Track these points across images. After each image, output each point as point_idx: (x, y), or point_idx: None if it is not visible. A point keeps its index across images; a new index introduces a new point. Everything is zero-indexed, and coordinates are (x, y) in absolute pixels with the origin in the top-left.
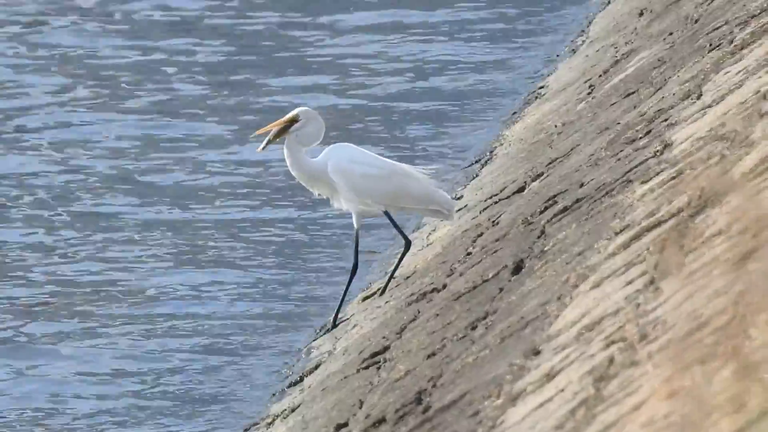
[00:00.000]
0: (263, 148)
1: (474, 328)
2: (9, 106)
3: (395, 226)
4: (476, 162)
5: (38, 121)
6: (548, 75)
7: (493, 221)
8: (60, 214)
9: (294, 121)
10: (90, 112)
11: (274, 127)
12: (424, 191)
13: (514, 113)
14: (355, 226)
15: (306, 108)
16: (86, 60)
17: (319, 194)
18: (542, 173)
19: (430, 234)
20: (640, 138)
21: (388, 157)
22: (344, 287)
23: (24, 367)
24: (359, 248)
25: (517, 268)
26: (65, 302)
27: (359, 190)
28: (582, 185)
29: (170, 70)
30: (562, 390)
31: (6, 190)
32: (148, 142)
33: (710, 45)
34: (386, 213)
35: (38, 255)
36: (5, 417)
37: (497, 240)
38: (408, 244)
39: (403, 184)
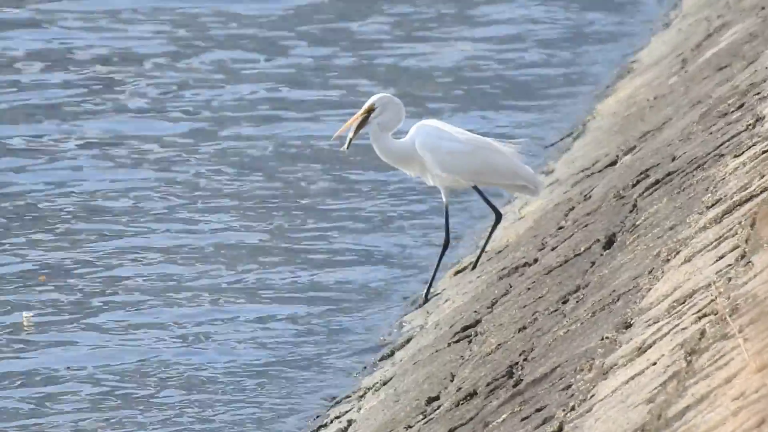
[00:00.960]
0: (347, 147)
1: (565, 301)
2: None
3: (485, 199)
4: (568, 135)
5: (151, 90)
6: (641, 49)
7: (585, 195)
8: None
9: (371, 110)
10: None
11: (353, 122)
12: (510, 166)
13: (607, 87)
14: (444, 201)
15: (381, 94)
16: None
17: (411, 174)
18: (634, 147)
19: (521, 208)
20: (733, 112)
21: (478, 131)
22: (436, 263)
23: (126, 338)
24: (450, 223)
25: (609, 242)
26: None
27: (446, 165)
28: (674, 159)
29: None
30: (654, 363)
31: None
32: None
33: None
34: (475, 187)
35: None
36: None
37: (589, 214)
38: (499, 217)
39: (489, 159)
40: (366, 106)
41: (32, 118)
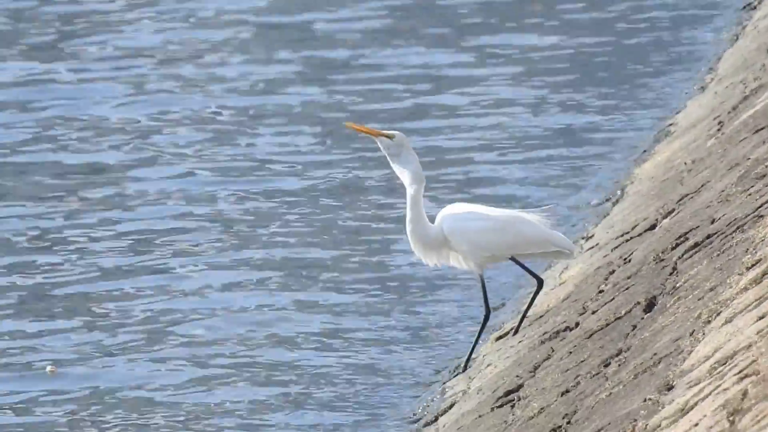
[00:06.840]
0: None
1: (607, 365)
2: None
3: (524, 267)
4: (607, 200)
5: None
6: (677, 112)
7: (625, 259)
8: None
9: (389, 137)
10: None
11: (367, 131)
12: (541, 234)
13: (644, 151)
14: (479, 272)
15: (400, 133)
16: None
17: (431, 263)
18: (673, 210)
19: (561, 273)
20: None
21: (516, 200)
22: (477, 332)
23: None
24: (488, 295)
25: (650, 305)
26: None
27: (478, 245)
28: (713, 221)
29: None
30: (696, 424)
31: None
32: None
33: None
34: (512, 258)
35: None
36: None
37: (629, 277)
38: (540, 283)
39: (519, 231)
40: (387, 132)
41: None
